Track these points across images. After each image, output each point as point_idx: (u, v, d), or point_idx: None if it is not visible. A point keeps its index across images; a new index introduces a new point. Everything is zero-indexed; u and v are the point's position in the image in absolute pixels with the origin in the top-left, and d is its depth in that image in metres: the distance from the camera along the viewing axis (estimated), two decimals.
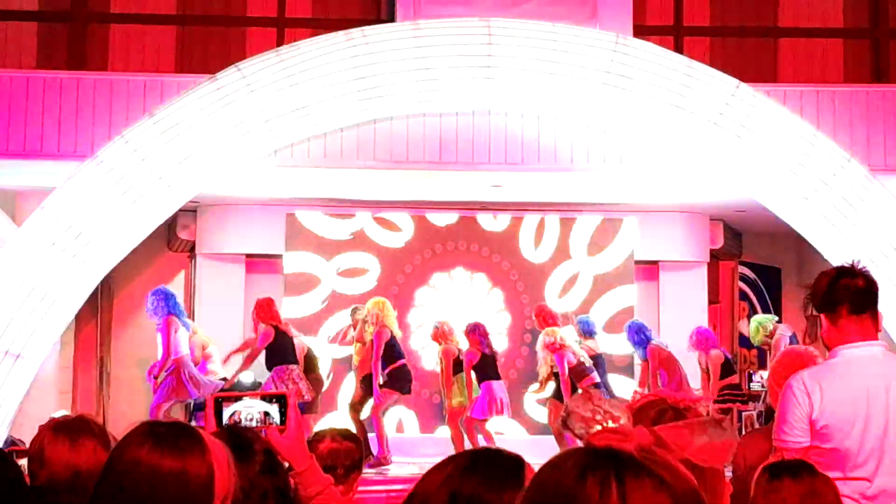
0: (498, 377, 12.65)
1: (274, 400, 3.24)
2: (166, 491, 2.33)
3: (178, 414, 12.62)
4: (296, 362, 12.33)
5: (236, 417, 3.19)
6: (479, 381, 12.55)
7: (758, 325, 13.28)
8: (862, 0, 13.81)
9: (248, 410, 3.21)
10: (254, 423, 3.19)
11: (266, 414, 3.20)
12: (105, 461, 2.43)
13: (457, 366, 12.68)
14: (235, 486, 2.46)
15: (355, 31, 11.39)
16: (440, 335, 12.86)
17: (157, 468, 2.34)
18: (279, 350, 12.22)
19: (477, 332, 12.64)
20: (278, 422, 3.20)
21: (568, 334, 12.83)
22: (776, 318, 13.60)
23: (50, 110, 11.80)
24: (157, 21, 13.61)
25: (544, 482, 1.56)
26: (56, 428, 3.62)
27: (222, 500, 2.40)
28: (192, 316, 14.04)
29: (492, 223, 14.20)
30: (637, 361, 13.63)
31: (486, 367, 12.57)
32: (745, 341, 14.70)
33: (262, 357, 12.27)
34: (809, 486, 3.72)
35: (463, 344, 12.78)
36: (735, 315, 15.41)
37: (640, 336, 13.10)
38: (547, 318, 12.87)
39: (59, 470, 3.49)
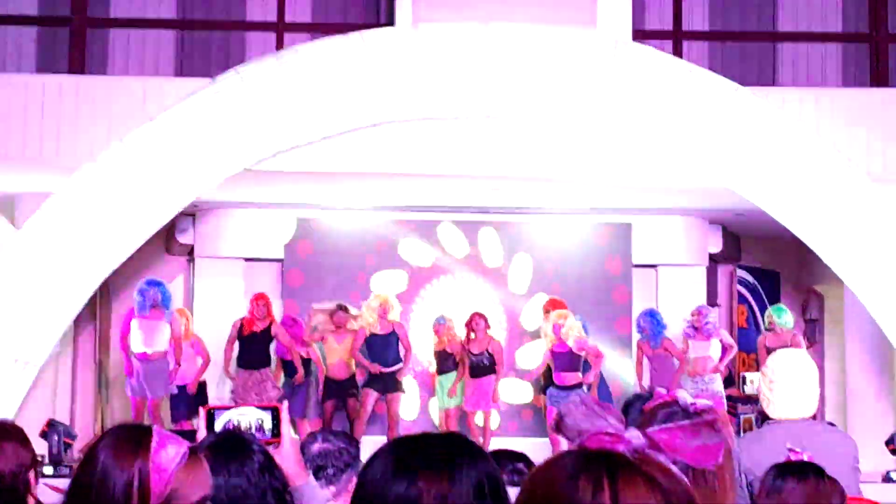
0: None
1: (267, 411, 3.24)
2: (112, 489, 2.46)
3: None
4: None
5: (230, 425, 3.20)
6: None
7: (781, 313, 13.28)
8: (861, 4, 13.83)
9: (243, 418, 3.22)
10: (249, 429, 3.20)
11: (261, 421, 3.21)
12: None
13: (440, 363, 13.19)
14: (189, 486, 2.50)
15: (354, 36, 11.40)
16: (443, 331, 13.12)
17: (106, 468, 2.49)
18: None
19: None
20: (271, 431, 3.20)
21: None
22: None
23: (49, 114, 11.81)
24: (156, 25, 13.63)
25: (538, 483, 1.57)
26: None
27: (166, 499, 2.46)
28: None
29: (491, 227, 14.23)
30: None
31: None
32: (744, 344, 14.71)
33: None
34: (814, 487, 3.70)
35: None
36: (734, 319, 15.41)
37: (657, 324, 13.14)
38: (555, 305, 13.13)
39: None
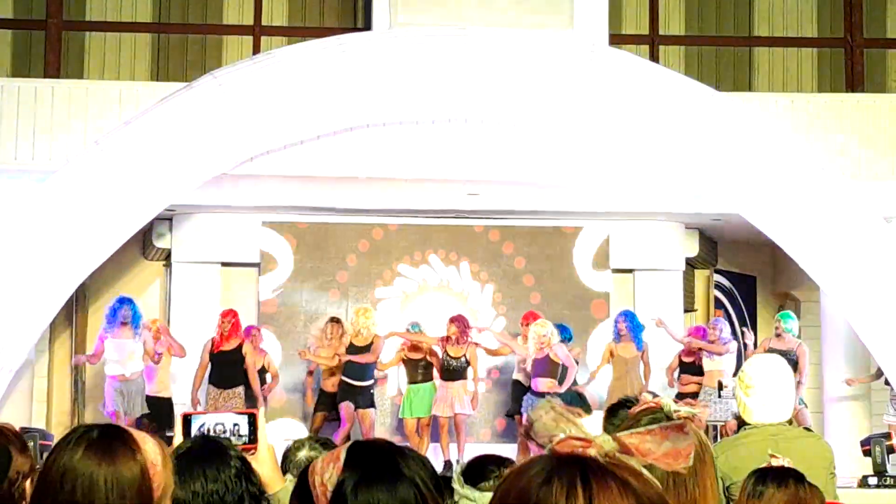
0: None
1: (243, 416, 3.23)
2: (102, 495, 2.37)
3: None
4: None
5: (204, 430, 3.19)
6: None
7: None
8: (836, 10, 13.90)
9: (219, 422, 3.21)
10: (226, 434, 3.19)
11: (236, 426, 3.20)
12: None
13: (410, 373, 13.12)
14: (171, 481, 2.49)
15: (331, 40, 11.39)
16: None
17: (90, 473, 2.38)
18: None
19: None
20: (248, 437, 3.19)
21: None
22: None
23: (25, 118, 11.76)
24: (133, 29, 13.59)
25: (510, 489, 1.56)
26: None
27: (160, 496, 2.43)
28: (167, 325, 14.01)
29: (467, 232, 14.21)
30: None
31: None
32: None
33: None
34: (794, 493, 3.72)
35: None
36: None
37: (637, 326, 13.17)
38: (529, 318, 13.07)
39: None
